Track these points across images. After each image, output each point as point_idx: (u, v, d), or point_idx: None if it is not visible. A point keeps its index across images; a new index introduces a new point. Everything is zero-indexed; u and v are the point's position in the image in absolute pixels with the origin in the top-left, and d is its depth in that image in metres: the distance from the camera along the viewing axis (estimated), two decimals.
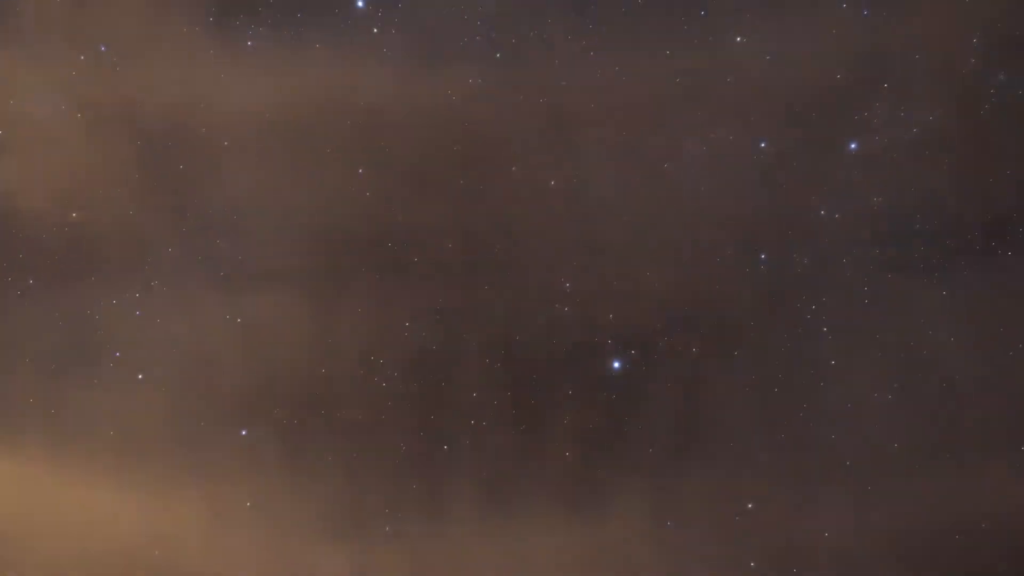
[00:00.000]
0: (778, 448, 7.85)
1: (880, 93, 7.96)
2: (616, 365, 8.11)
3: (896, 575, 7.75)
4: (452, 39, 8.12)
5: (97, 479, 7.89)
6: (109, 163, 8.03)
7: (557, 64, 8.07)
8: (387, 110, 8.12)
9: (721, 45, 8.01)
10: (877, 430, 7.81)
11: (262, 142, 8.03)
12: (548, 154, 8.12)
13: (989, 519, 7.68)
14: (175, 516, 7.91)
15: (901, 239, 7.92)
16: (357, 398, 8.03)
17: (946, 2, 7.89)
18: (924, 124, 7.94)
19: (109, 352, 8.03)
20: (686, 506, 7.85)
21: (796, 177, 8.04)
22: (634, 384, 8.00)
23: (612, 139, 8.12)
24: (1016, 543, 7.68)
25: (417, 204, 8.09)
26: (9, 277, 8.03)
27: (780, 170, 8.05)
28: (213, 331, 8.03)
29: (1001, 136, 7.90)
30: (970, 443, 7.76)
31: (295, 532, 7.94)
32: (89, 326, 8.03)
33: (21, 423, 7.93)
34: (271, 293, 8.02)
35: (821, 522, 7.80)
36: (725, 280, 8.03)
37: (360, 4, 8.14)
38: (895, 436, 7.80)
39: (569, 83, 8.09)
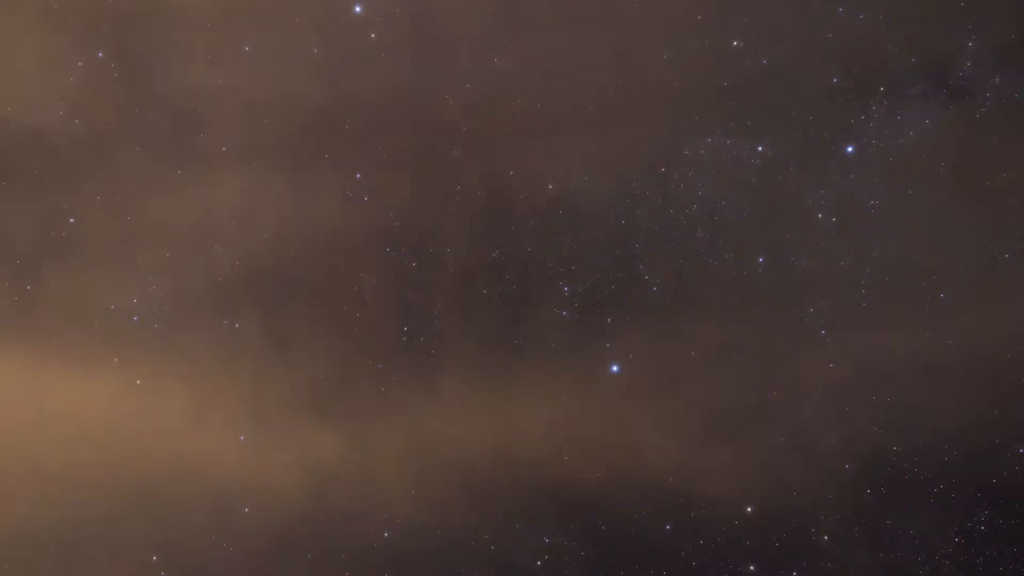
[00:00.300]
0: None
1: (876, 97, 8.00)
2: (615, 369, 8.11)
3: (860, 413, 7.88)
4: (449, 44, 8.14)
5: (77, 369, 7.84)
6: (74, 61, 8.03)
7: (554, 69, 8.10)
8: (384, 114, 8.14)
9: (718, 49, 8.04)
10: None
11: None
12: (545, 158, 8.14)
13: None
14: (161, 400, 7.87)
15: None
16: (340, 279, 8.05)
17: (941, 6, 7.93)
18: (920, 127, 7.97)
19: (85, 245, 8.03)
20: (675, 376, 7.88)
21: (793, 180, 8.07)
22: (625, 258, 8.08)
23: (610, 144, 8.13)
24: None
25: (415, 208, 8.12)
26: None
27: (777, 173, 8.08)
28: (191, 218, 8.02)
29: (997, 139, 7.93)
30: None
31: (284, 413, 7.91)
32: (62, 220, 8.03)
33: None
34: (249, 179, 8.02)
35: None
36: (724, 283, 8.06)
37: (358, 9, 8.17)
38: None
39: (567, 88, 8.11)
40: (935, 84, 7.97)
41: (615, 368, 8.09)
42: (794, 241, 8.02)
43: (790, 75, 8.02)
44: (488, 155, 8.11)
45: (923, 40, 7.95)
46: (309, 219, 8.03)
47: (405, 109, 8.07)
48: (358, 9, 8.16)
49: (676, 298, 8.03)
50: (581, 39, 8.09)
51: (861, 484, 7.83)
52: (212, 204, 8.04)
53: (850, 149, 8.02)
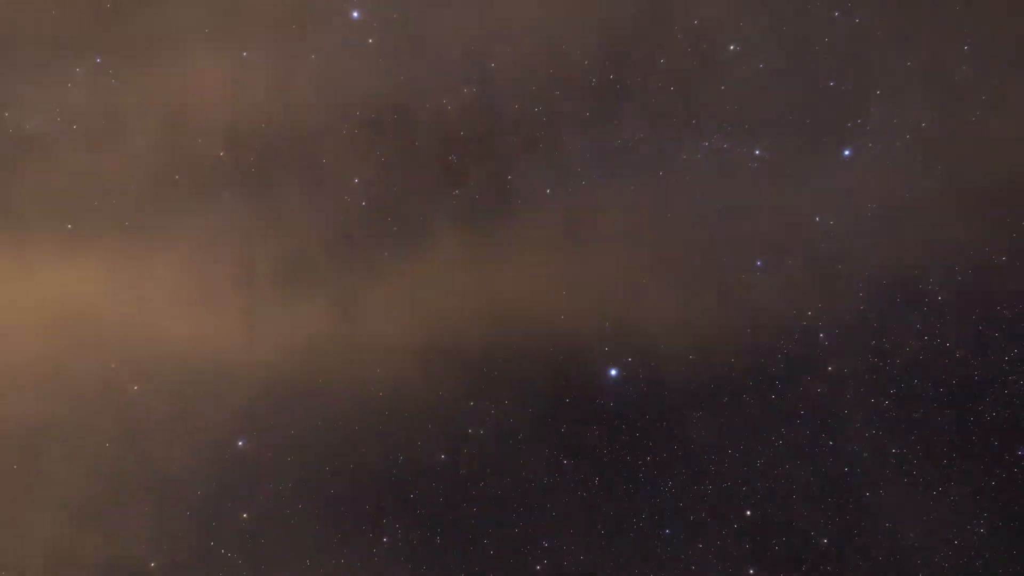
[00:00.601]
0: None
1: (873, 100, 8.01)
2: (613, 373, 8.10)
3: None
4: (447, 48, 8.16)
5: (62, 254, 7.80)
6: None
7: (551, 73, 8.11)
8: (382, 119, 8.15)
9: (715, 53, 8.06)
10: None
11: None
12: (543, 162, 8.15)
13: None
14: (148, 278, 7.84)
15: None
16: (326, 144, 8.07)
17: (937, 8, 7.95)
18: (917, 130, 7.98)
19: (66, 131, 8.02)
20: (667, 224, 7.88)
21: (791, 184, 8.07)
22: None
23: (607, 147, 8.14)
24: None
25: (413, 210, 8.13)
26: None
27: (775, 177, 8.09)
28: (175, 92, 7.99)
29: (994, 141, 7.94)
30: None
31: (273, 286, 7.88)
32: (44, 107, 8.03)
33: None
34: (229, 51, 8.01)
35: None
36: (721, 286, 8.06)
37: (355, 15, 8.18)
38: None
39: (564, 92, 8.12)
40: (932, 87, 7.97)
41: (613, 372, 8.09)
42: (791, 244, 8.03)
43: (787, 78, 8.04)
44: (485, 159, 8.12)
45: (920, 43, 7.96)
46: (293, 95, 8.02)
47: (402, 113, 8.08)
48: (355, 14, 8.18)
49: None
50: (578, 43, 8.10)
51: (861, 488, 7.85)
52: (194, 83, 8.01)
53: (847, 152, 8.03)
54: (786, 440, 7.91)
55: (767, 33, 8.03)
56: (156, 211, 8.00)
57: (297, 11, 8.16)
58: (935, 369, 7.87)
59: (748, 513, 7.90)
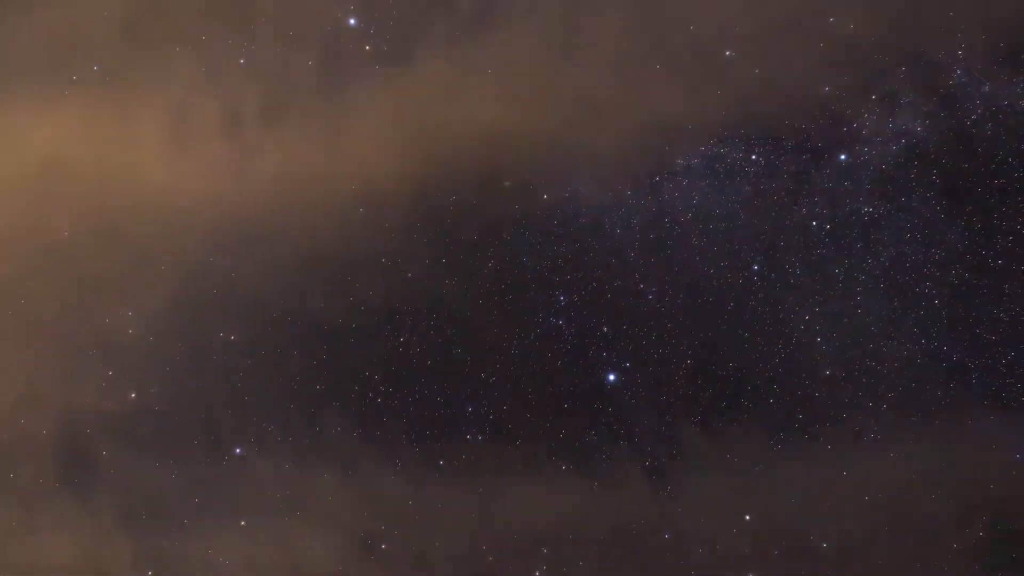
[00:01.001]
0: None
1: (868, 105, 8.04)
2: (612, 378, 8.12)
3: None
4: (443, 55, 8.19)
5: (44, 98, 7.74)
6: None
7: (550, 77, 8.14)
8: (379, 125, 8.17)
9: (711, 59, 8.09)
10: None
11: None
12: (541, 167, 8.17)
13: None
14: (135, 121, 7.78)
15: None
16: None
17: (931, 15, 7.99)
18: (912, 135, 8.02)
19: None
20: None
21: (787, 188, 8.11)
22: None
23: (605, 153, 8.17)
24: None
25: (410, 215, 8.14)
26: None
27: (771, 181, 8.11)
28: None
29: (988, 145, 7.97)
30: None
31: (261, 121, 7.84)
32: None
33: None
34: None
35: None
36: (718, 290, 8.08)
37: (352, 22, 8.23)
38: None
39: (562, 96, 8.15)
40: (926, 92, 8.02)
41: (612, 376, 8.11)
42: (788, 248, 8.06)
43: (782, 84, 8.07)
44: (482, 165, 8.13)
45: (914, 48, 8.01)
46: None
47: (399, 119, 8.11)
48: (352, 22, 8.22)
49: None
50: (575, 49, 8.14)
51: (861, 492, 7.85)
52: None
53: (843, 157, 8.07)
54: (784, 443, 7.91)
55: (762, 39, 8.06)
56: (135, 59, 7.95)
57: (295, 18, 8.21)
58: (932, 372, 7.89)
59: (748, 518, 7.89)
